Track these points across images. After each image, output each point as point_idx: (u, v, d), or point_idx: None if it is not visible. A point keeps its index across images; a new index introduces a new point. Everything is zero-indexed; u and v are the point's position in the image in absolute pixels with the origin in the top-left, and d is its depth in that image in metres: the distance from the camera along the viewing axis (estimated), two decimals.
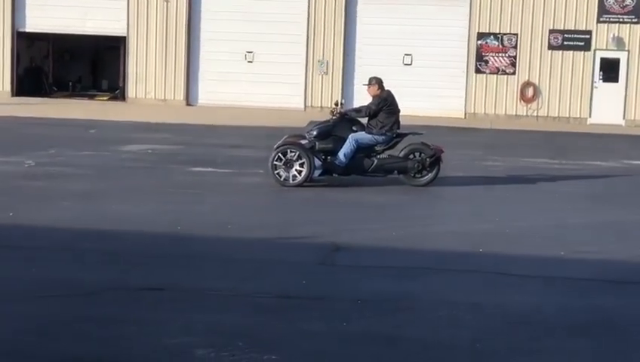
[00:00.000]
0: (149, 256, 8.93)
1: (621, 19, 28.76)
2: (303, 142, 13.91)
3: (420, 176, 14.08)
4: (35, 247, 9.18)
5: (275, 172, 13.63)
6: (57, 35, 31.43)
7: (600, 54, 28.92)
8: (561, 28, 28.87)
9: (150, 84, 30.13)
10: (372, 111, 13.93)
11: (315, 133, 13.95)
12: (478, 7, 29.02)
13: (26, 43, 32.03)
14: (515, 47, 29.07)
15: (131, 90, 30.30)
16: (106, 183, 13.59)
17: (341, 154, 13.74)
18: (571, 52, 28.91)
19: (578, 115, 29.03)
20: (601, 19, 28.78)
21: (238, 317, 6.95)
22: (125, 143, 18.89)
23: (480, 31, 29.15)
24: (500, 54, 29.14)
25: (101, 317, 6.86)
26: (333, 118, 14.08)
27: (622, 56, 28.89)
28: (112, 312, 7.00)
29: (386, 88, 14.18)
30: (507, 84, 29.22)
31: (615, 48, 28.82)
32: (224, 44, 29.70)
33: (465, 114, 29.28)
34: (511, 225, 11.17)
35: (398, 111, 14.15)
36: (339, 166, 13.82)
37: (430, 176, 14.07)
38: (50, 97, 31.69)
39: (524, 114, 29.15)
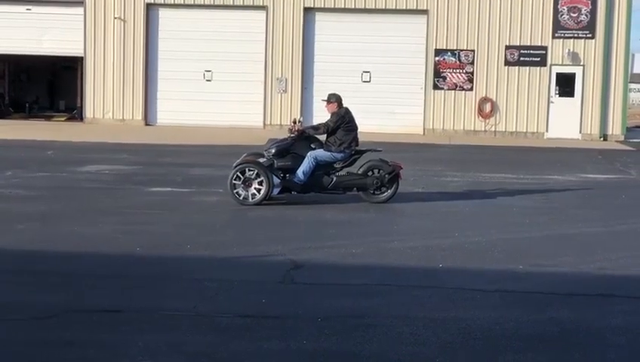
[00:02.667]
0: (107, 278, 8.85)
1: (576, 35, 29.15)
2: (262, 160, 13.89)
3: (379, 192, 14.13)
4: None
5: (234, 191, 13.59)
6: (13, 55, 31.18)
7: (556, 69, 29.29)
8: (517, 44, 29.21)
9: (108, 105, 29.96)
10: (330, 129, 13.96)
11: (273, 151, 13.94)
12: (435, 24, 29.27)
13: None
14: (473, 63, 29.34)
15: (89, 111, 30.11)
16: (62, 204, 13.47)
17: (300, 172, 13.75)
18: (527, 67, 29.25)
19: (535, 130, 29.34)
20: (557, 35, 29.16)
21: (197, 338, 6.91)
22: (83, 164, 18.75)
23: (437, 47, 29.40)
24: (458, 70, 29.39)
25: (58, 341, 6.78)
26: (292, 135, 14.08)
27: (577, 71, 29.28)
28: (70, 335, 6.92)
29: (344, 105, 14.23)
30: (465, 99, 29.47)
31: (570, 63, 29.21)
32: (182, 64, 29.66)
33: (423, 130, 29.47)
34: (470, 240, 11.22)
35: (356, 128, 14.19)
36: (298, 183, 13.82)
37: (389, 192, 14.12)
38: (7, 119, 31.41)
39: (482, 129, 29.40)
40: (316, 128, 14.26)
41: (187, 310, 7.66)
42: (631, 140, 29.23)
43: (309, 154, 13.83)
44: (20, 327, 7.10)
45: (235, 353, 6.57)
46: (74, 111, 31.75)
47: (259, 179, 13.56)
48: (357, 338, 6.96)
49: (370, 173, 14.14)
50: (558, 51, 29.23)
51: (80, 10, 29.77)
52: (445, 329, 7.25)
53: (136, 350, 6.56)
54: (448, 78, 29.41)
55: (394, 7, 29.42)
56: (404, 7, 29.41)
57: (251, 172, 13.58)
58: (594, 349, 6.90)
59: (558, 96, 29.38)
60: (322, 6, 29.58)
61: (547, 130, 29.32)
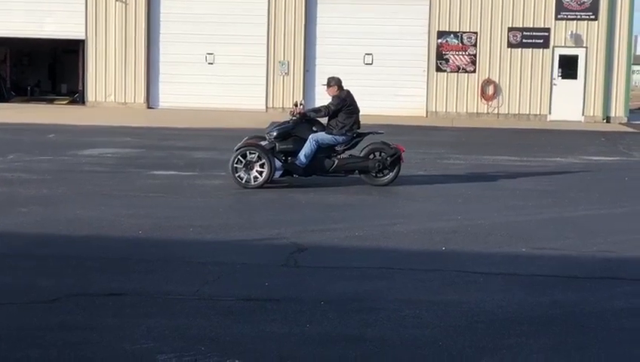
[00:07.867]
0: (110, 261, 8.85)
1: (579, 17, 29.04)
2: (263, 143, 13.88)
3: (381, 175, 14.11)
4: None
5: (236, 174, 13.57)
6: (15, 39, 31.10)
7: (559, 51, 29.20)
8: (520, 26, 29.11)
9: (110, 88, 29.92)
10: (331, 111, 13.93)
11: (275, 133, 13.92)
12: (437, 6, 29.16)
13: None
14: (475, 45, 29.25)
15: (91, 94, 30.07)
16: (64, 188, 13.46)
17: (302, 155, 13.72)
18: (530, 49, 29.15)
19: (538, 112, 29.28)
20: (559, 17, 29.05)
21: (200, 321, 6.90)
22: (85, 147, 18.74)
23: (440, 29, 29.31)
24: (460, 53, 29.31)
25: (61, 324, 6.78)
26: (293, 118, 14.05)
27: (580, 52, 29.19)
28: (73, 319, 6.92)
29: (345, 88, 14.19)
30: (468, 82, 29.41)
31: (573, 45, 29.11)
32: (184, 46, 29.60)
33: (426, 112, 29.42)
34: (473, 223, 11.21)
35: (358, 111, 14.16)
36: (299, 166, 13.80)
37: (391, 175, 14.10)
38: (9, 102, 31.39)
39: (485, 111, 29.35)
40: (318, 111, 14.22)
41: (190, 293, 7.66)
42: (634, 122, 29.17)
43: (310, 137, 13.80)
44: (23, 311, 7.10)
45: (237, 336, 6.57)
46: (76, 95, 31.70)
47: (260, 162, 13.53)
48: (360, 322, 6.96)
49: (372, 156, 14.12)
50: (561, 33, 29.13)
51: None
52: (448, 313, 7.24)
53: (140, 333, 6.56)
54: (451, 61, 29.33)
55: None
56: None
57: (253, 155, 13.56)
58: (597, 332, 6.89)
59: (560, 78, 29.30)
60: None
61: (550, 113, 29.26)
